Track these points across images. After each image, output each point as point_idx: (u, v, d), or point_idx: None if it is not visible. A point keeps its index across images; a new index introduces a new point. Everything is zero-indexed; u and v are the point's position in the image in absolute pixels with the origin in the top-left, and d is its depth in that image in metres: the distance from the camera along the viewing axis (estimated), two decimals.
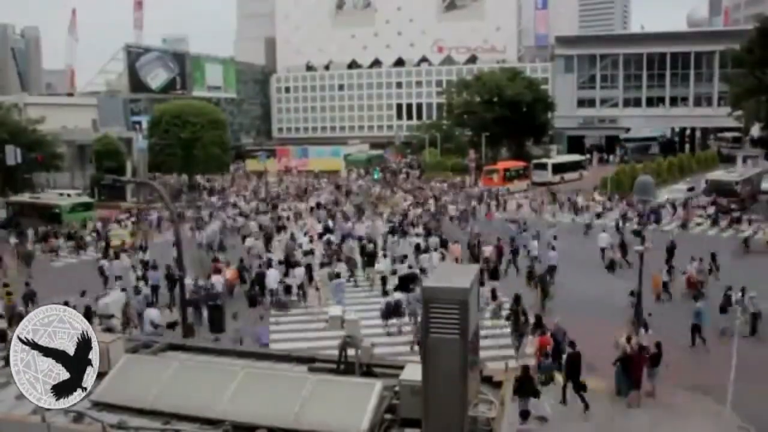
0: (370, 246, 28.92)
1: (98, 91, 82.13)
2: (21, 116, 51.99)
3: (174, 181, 63.69)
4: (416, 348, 17.30)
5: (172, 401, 6.99)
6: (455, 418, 6.20)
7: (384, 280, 24.73)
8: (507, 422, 7.08)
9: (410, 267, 24.51)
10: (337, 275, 23.99)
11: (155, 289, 23.70)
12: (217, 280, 23.43)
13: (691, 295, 21.41)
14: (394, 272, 24.57)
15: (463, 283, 6.26)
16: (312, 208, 44.05)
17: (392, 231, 33.17)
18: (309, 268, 25.43)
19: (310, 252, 27.62)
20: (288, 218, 40.58)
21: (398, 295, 21.25)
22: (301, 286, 24.16)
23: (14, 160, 43.97)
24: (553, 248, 26.90)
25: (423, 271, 24.02)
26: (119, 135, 60.81)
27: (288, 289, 24.19)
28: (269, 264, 25.29)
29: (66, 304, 20.64)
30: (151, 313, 19.65)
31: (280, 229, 35.46)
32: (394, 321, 20.50)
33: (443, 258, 26.52)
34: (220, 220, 39.47)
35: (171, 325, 19.05)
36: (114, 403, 7.09)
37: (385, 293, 23.47)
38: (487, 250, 27.71)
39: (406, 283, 22.62)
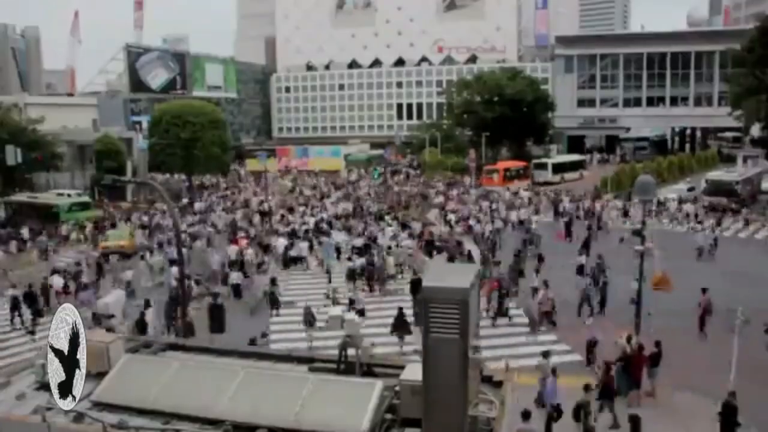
0: (324, 225, 36.17)
1: (98, 91, 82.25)
2: (21, 116, 51.98)
3: (175, 183, 63.47)
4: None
5: (173, 401, 6.99)
6: (456, 418, 6.20)
7: (338, 250, 30.40)
8: (507, 422, 7.08)
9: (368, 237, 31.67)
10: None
11: (173, 262, 26.75)
12: (232, 250, 29.33)
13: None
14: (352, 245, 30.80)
15: (463, 283, 6.26)
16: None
17: (380, 217, 38.49)
18: (311, 241, 32.36)
19: (307, 232, 34.80)
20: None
21: (359, 261, 26.83)
22: (304, 258, 30.41)
23: (14, 160, 44.00)
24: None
25: (374, 240, 31.08)
26: (119, 135, 60.83)
27: (295, 260, 30.16)
28: (293, 234, 33.51)
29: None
30: (173, 270, 23.92)
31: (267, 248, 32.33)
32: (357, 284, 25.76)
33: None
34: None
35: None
36: (114, 402, 7.08)
37: (347, 259, 28.20)
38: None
39: (364, 251, 28.97)
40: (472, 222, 36.16)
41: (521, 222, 37.39)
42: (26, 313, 23.12)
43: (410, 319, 19.99)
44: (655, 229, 32.62)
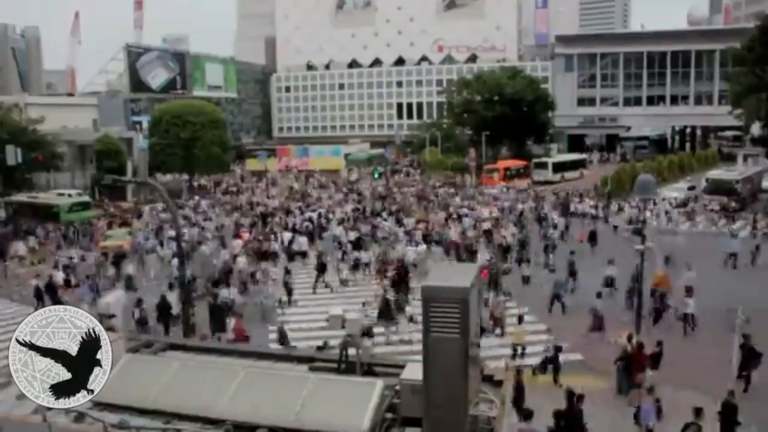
0: (323, 220, 37.64)
1: (98, 91, 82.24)
2: (21, 116, 51.91)
3: (175, 183, 63.40)
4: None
5: (173, 401, 6.99)
6: (456, 417, 6.20)
7: (340, 243, 31.22)
8: (508, 421, 7.07)
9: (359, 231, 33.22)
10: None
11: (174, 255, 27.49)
12: (237, 244, 30.45)
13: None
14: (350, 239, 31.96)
15: (464, 282, 6.25)
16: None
17: (377, 213, 39.37)
18: (311, 235, 34.18)
19: (307, 227, 36.27)
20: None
21: (356, 254, 28.58)
22: (305, 253, 31.28)
23: (14, 160, 43.96)
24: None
25: (366, 234, 32.68)
26: (120, 135, 60.82)
27: (298, 254, 31.27)
28: (294, 229, 35.31)
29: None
30: (175, 262, 24.57)
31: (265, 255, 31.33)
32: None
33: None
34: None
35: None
36: (115, 402, 7.07)
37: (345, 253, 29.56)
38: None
39: (358, 243, 30.64)
40: (488, 225, 33.76)
41: (540, 222, 36.70)
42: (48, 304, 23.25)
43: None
44: (691, 231, 32.96)
